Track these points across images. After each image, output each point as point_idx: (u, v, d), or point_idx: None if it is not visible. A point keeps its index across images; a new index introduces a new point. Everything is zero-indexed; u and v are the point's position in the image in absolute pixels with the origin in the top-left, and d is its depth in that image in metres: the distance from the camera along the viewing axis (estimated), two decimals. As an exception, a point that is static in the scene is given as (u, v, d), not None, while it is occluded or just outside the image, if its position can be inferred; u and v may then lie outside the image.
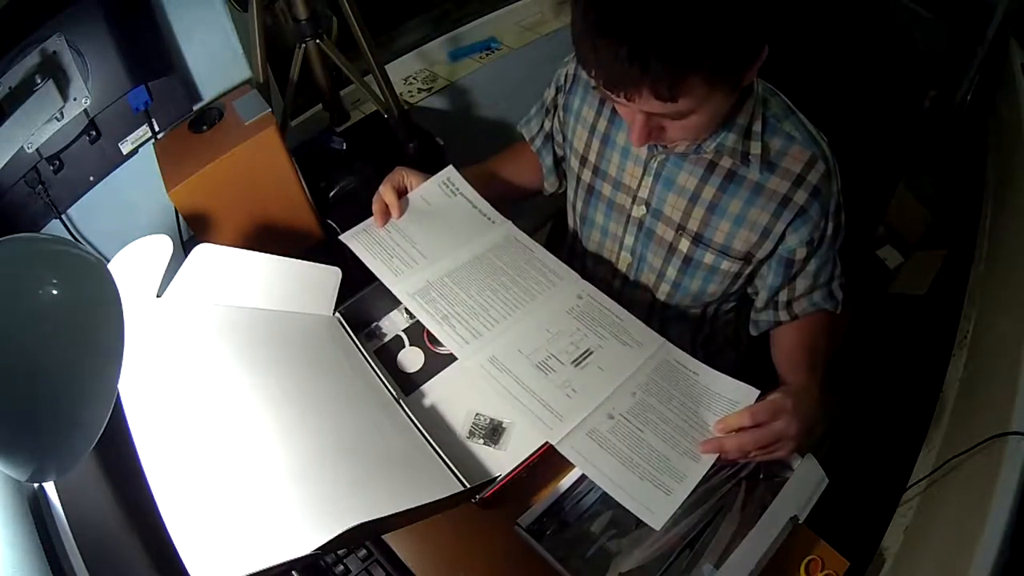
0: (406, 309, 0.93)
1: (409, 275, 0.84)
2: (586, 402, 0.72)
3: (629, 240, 0.93)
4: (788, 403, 0.71)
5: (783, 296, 0.89)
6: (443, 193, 0.94)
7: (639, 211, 0.89)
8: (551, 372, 0.75)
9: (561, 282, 0.86)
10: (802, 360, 0.84)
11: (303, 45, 1.23)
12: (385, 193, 0.89)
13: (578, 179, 0.96)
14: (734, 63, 0.65)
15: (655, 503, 0.64)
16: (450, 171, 0.95)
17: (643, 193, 0.88)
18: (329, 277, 0.87)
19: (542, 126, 1.02)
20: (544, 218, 1.44)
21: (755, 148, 0.78)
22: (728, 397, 0.73)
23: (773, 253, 0.84)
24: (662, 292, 0.94)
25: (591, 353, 0.77)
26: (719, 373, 0.76)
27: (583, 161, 0.94)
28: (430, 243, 0.87)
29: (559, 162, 1.04)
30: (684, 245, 0.87)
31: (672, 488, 0.66)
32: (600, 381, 0.74)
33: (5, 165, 0.97)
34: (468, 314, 0.80)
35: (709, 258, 0.86)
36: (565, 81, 0.95)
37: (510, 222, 0.92)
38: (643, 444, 0.69)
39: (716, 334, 1.03)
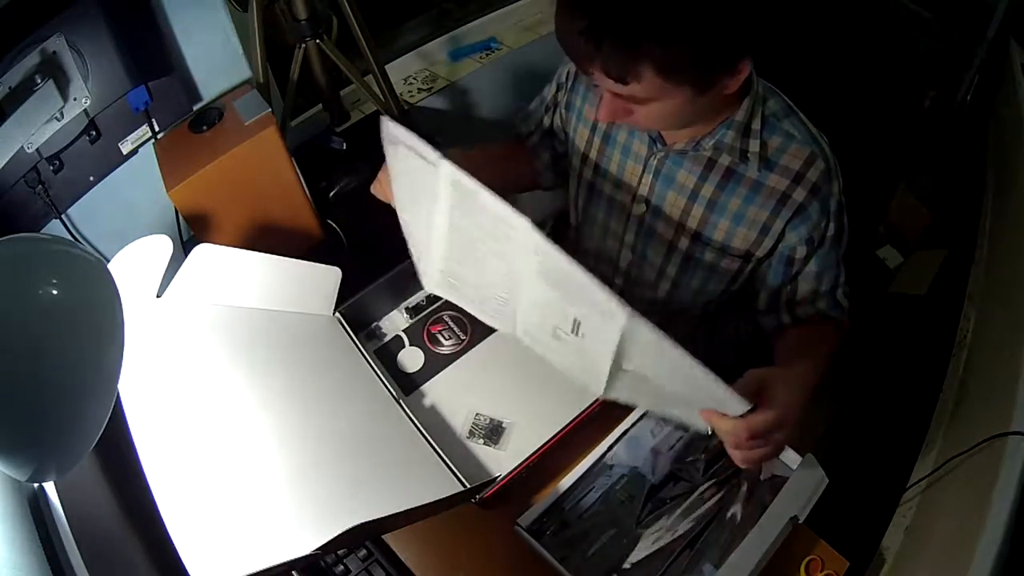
0: (406, 309, 0.93)
1: (425, 268, 0.81)
2: (601, 362, 0.67)
3: (630, 238, 0.93)
4: (789, 418, 0.65)
5: (785, 297, 0.88)
6: (396, 156, 0.80)
7: (639, 209, 0.90)
8: (564, 340, 0.71)
9: (515, 233, 0.73)
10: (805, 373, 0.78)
11: (303, 45, 1.23)
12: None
13: (580, 177, 0.96)
14: (691, 64, 0.65)
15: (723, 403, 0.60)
16: (383, 125, 0.77)
17: (643, 191, 0.88)
18: (329, 277, 0.87)
19: (541, 122, 1.02)
20: (544, 218, 1.44)
21: (754, 146, 0.78)
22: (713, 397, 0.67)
23: (773, 251, 0.84)
24: (663, 290, 0.94)
25: (580, 323, 0.71)
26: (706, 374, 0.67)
27: (584, 159, 0.94)
28: (419, 225, 0.80)
29: (558, 159, 1.04)
30: (684, 243, 0.87)
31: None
32: (600, 348, 0.69)
33: (5, 165, 0.97)
34: (486, 292, 0.77)
35: (709, 256, 0.86)
36: (567, 79, 0.96)
37: (444, 160, 0.75)
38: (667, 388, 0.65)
39: (716, 333, 1.03)
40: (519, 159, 1.06)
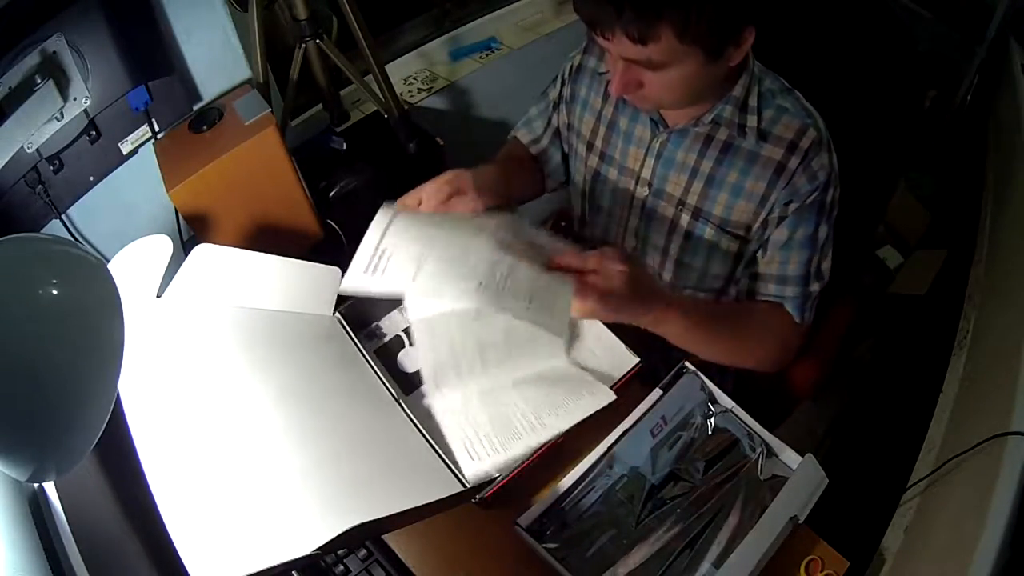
0: (406, 309, 0.92)
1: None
2: None
3: (633, 222, 0.95)
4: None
5: (747, 281, 0.87)
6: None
7: (642, 192, 0.91)
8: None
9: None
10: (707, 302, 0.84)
11: (303, 45, 1.23)
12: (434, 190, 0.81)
13: (585, 165, 0.98)
14: (706, 27, 0.68)
15: None
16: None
17: (645, 174, 0.90)
18: (329, 277, 0.87)
19: (549, 122, 1.03)
20: (545, 216, 1.44)
21: (751, 120, 0.81)
22: None
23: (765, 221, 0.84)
24: (668, 271, 0.95)
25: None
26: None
27: (590, 147, 0.96)
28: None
29: (566, 156, 1.05)
30: (684, 220, 0.88)
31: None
32: None
33: (5, 165, 0.97)
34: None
35: (709, 233, 0.87)
36: (570, 73, 0.98)
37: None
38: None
39: None
40: (531, 166, 1.06)
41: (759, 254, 0.86)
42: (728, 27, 0.70)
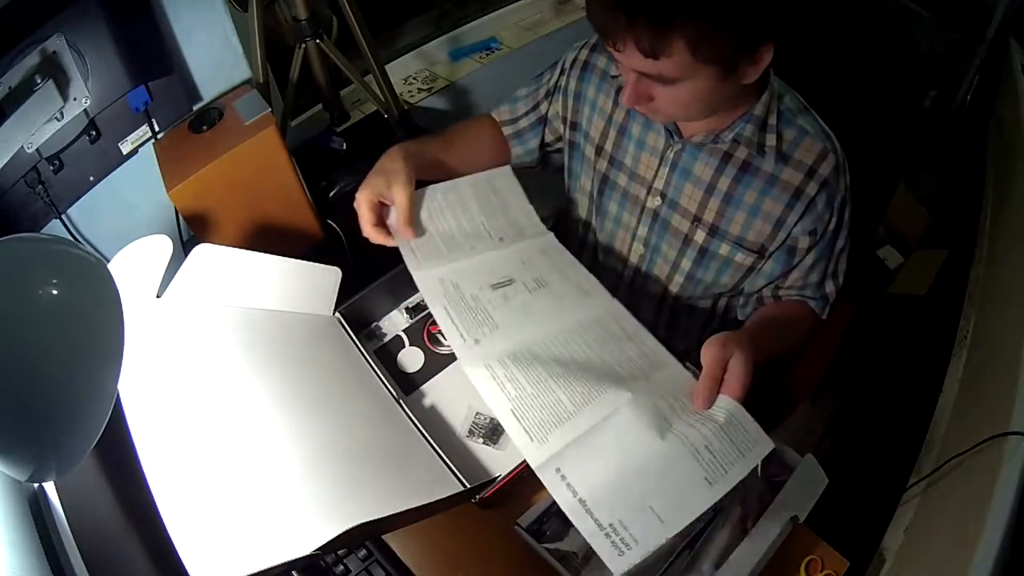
0: (406, 309, 0.92)
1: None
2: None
3: (643, 231, 0.93)
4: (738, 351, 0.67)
5: (771, 290, 0.90)
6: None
7: (654, 202, 0.90)
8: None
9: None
10: (763, 331, 0.84)
11: (303, 45, 1.23)
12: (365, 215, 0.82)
13: (594, 168, 0.96)
14: (721, 44, 0.66)
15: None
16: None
17: (659, 184, 0.88)
18: (329, 277, 0.87)
19: (536, 107, 1.00)
20: (545, 216, 1.44)
21: (771, 140, 0.80)
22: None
23: (783, 244, 0.85)
24: (675, 284, 0.94)
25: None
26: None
27: (599, 150, 0.94)
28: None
29: (544, 146, 1.03)
30: (700, 236, 0.88)
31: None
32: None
33: (5, 165, 0.97)
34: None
35: (724, 249, 0.87)
36: (571, 66, 0.95)
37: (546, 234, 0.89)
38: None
39: (725, 328, 1.03)
40: (490, 140, 1.03)
41: (782, 277, 0.89)
42: (745, 44, 0.68)
